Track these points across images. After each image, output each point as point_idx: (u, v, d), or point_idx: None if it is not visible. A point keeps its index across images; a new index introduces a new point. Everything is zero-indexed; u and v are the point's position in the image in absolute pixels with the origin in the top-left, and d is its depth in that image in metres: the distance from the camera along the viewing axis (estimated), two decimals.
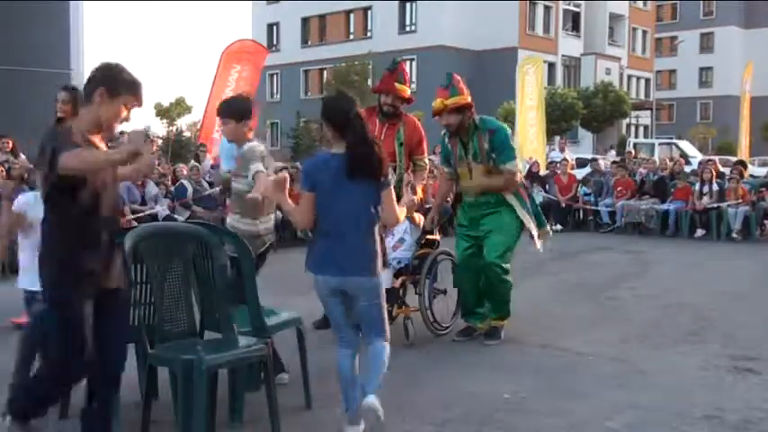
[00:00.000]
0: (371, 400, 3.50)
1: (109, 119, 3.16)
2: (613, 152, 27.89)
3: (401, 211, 3.79)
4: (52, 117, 5.75)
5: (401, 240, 5.86)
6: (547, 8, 44.69)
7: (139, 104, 3.21)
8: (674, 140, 27.79)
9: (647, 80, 53.62)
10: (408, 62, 43.38)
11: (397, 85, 5.77)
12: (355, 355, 3.71)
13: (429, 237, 5.89)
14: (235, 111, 4.46)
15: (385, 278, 5.72)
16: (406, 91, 5.84)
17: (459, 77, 5.61)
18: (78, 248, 3.07)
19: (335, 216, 3.53)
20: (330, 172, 3.52)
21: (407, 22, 43.74)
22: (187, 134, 49.87)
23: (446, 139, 5.75)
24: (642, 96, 51.54)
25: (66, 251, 3.07)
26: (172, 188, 11.93)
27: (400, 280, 5.75)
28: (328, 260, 3.55)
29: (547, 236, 5.84)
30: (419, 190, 6.11)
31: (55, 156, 2.91)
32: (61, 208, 3.07)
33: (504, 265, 5.47)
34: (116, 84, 3.12)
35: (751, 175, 15.97)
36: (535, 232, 5.67)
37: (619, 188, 13.90)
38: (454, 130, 5.56)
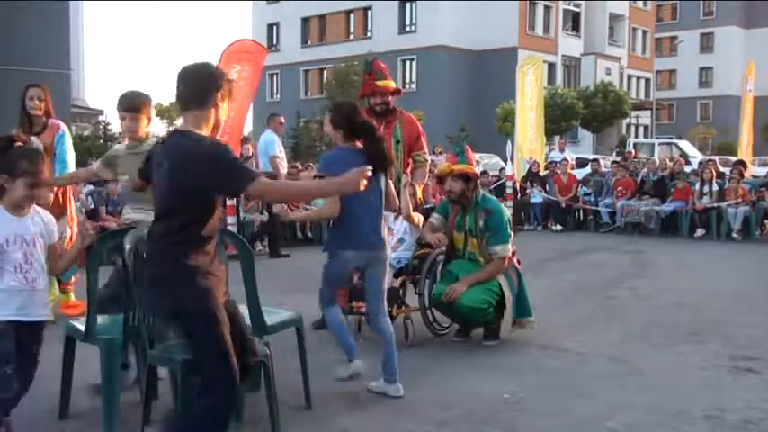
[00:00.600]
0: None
1: (220, 123, 3.04)
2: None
3: (404, 203, 4.59)
4: (18, 115, 5.78)
5: (401, 240, 5.87)
6: (547, 8, 44.71)
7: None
8: (674, 140, 27.78)
9: (647, 80, 53.65)
10: (408, 62, 43.43)
11: (378, 83, 5.69)
12: None
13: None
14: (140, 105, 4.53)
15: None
16: (390, 84, 5.76)
17: (469, 147, 5.69)
18: (207, 259, 2.96)
19: (356, 202, 4.00)
20: (350, 165, 3.81)
21: (407, 22, 43.76)
22: None
23: (449, 205, 5.70)
24: (642, 96, 51.58)
25: (201, 262, 2.93)
26: None
27: (400, 280, 5.75)
28: (353, 238, 4.19)
29: (530, 324, 5.60)
30: (418, 190, 6.10)
31: (244, 175, 2.84)
32: (202, 218, 2.94)
33: (480, 306, 5.37)
34: (225, 85, 3.02)
35: (753, 176, 15.90)
36: (509, 319, 5.51)
37: (619, 188, 13.90)
38: (456, 197, 5.53)
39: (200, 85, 2.97)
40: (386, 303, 4.36)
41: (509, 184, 13.83)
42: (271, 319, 4.05)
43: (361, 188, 3.08)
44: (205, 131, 2.96)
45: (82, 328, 3.85)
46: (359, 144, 4.23)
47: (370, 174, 3.13)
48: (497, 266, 5.44)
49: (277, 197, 3.07)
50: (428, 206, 7.75)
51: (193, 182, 2.84)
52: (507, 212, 5.66)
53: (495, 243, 5.42)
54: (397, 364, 4.31)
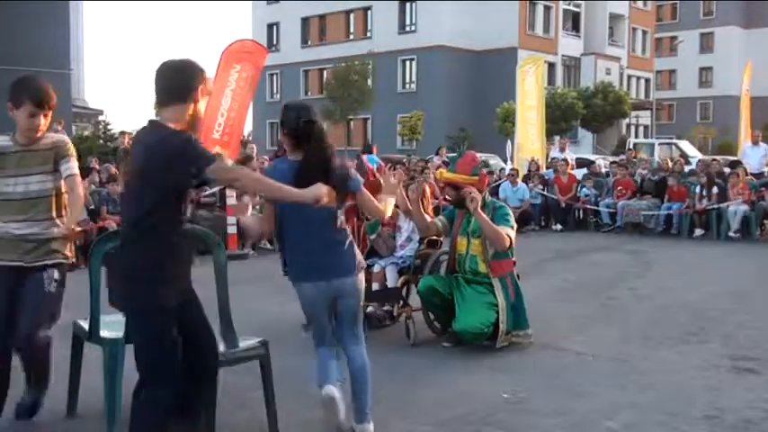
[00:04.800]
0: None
1: (200, 118, 3.09)
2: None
3: (386, 206, 3.73)
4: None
5: (408, 239, 5.89)
6: (547, 8, 44.68)
7: None
8: (674, 140, 27.76)
9: (647, 80, 53.62)
10: (408, 62, 43.41)
11: None
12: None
13: (432, 237, 5.88)
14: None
15: (390, 277, 5.75)
16: None
17: (472, 154, 5.71)
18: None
19: (298, 226, 3.52)
20: (287, 180, 3.29)
21: (407, 22, 43.73)
22: None
23: (456, 210, 5.68)
24: (642, 96, 51.55)
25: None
26: None
27: (402, 279, 5.77)
28: (309, 267, 3.53)
29: (526, 338, 5.50)
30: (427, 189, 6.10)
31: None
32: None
33: (482, 331, 5.32)
34: (205, 82, 3.06)
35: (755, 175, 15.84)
36: (503, 327, 5.38)
37: (619, 188, 13.90)
38: (454, 203, 5.56)
39: (182, 81, 2.99)
40: (362, 332, 3.76)
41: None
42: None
43: (319, 203, 3.04)
44: (180, 126, 2.96)
45: (87, 327, 3.85)
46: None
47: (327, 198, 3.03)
48: (500, 234, 5.23)
49: (240, 184, 3.14)
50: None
51: (165, 175, 2.85)
52: (512, 214, 5.63)
53: (501, 225, 5.32)
54: (370, 400, 3.68)
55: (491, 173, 16.52)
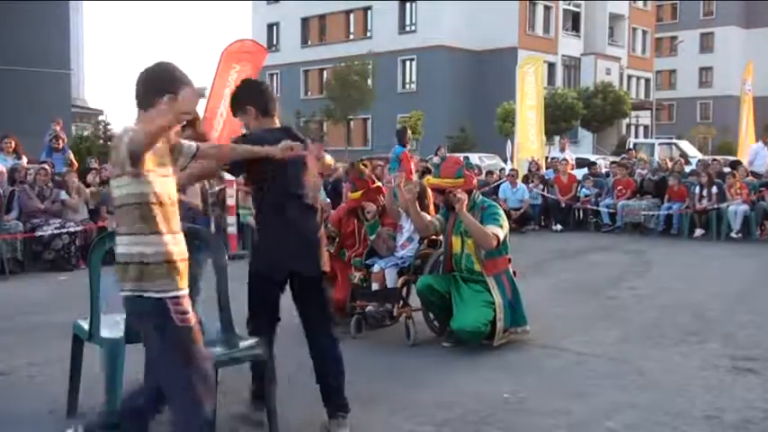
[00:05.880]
0: None
1: None
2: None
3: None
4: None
5: (410, 239, 5.88)
6: (547, 8, 44.70)
7: None
8: (674, 140, 27.76)
9: (647, 80, 53.64)
10: (408, 62, 43.41)
11: None
12: None
13: (432, 237, 5.88)
14: None
15: (390, 278, 5.75)
16: None
17: (454, 159, 5.87)
18: None
19: None
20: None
21: (407, 22, 43.75)
22: None
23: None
24: (642, 96, 51.57)
25: None
26: None
27: (402, 279, 5.76)
28: None
29: (524, 333, 5.56)
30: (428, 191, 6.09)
31: None
32: None
33: (479, 330, 5.31)
34: None
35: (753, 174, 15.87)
36: (500, 325, 5.38)
37: (619, 188, 13.90)
38: (446, 206, 5.57)
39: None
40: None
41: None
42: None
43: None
44: None
45: (87, 327, 3.85)
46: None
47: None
48: (487, 235, 5.27)
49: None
50: None
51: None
52: (503, 213, 5.62)
53: (489, 224, 5.35)
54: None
55: (490, 173, 16.52)
